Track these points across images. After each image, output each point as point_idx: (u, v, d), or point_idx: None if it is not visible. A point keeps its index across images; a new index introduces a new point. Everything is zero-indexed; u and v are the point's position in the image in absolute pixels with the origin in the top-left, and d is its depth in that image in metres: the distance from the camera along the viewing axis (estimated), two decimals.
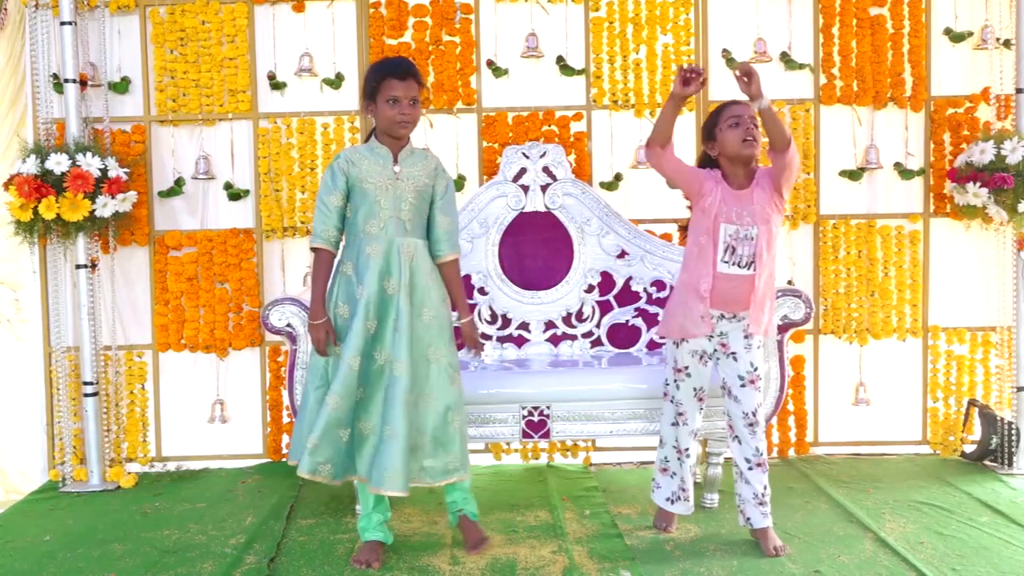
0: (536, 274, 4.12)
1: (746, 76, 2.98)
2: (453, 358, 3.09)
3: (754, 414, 3.19)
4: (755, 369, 3.19)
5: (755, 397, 3.19)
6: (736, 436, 3.23)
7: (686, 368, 3.25)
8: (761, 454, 3.20)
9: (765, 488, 3.21)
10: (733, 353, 3.20)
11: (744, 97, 3.04)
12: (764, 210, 3.10)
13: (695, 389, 3.26)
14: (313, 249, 3.04)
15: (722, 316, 3.17)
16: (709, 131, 3.19)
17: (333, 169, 3.03)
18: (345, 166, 3.02)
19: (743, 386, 3.19)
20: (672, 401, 3.30)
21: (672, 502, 3.35)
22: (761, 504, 3.21)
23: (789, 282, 4.25)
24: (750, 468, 3.21)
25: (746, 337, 3.18)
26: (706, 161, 3.22)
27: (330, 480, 3.00)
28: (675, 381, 3.28)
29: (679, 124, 4.25)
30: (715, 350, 3.23)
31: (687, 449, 3.31)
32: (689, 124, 4.30)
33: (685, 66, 3.07)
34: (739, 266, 3.12)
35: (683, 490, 3.34)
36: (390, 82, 2.98)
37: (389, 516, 3.22)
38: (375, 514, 3.16)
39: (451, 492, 3.22)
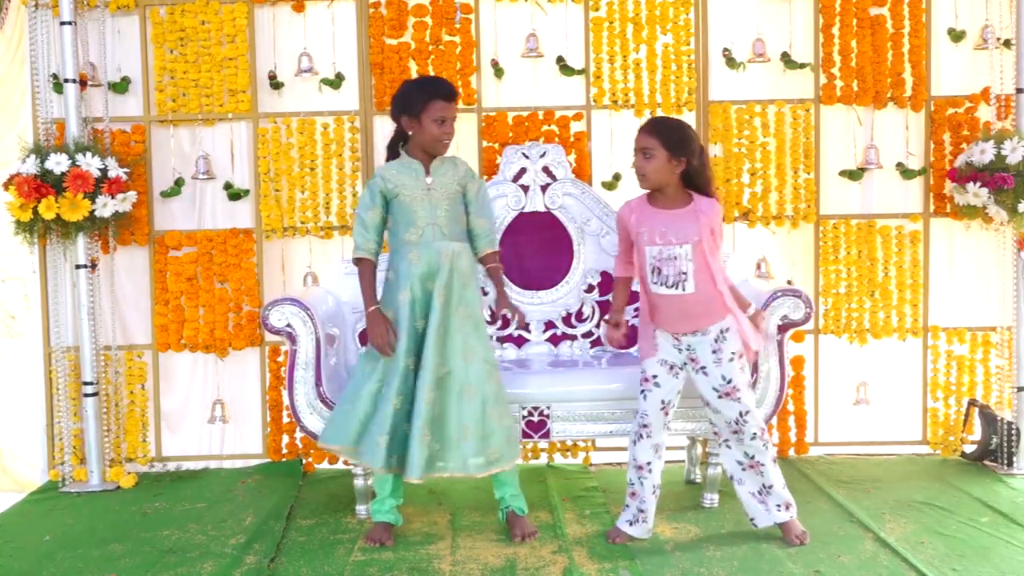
0: (536, 274, 4.11)
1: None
2: (489, 353, 3.26)
3: (737, 421, 3.15)
4: (729, 382, 3.13)
5: (734, 407, 3.14)
6: (725, 441, 3.22)
7: (654, 378, 3.19)
8: (752, 456, 3.18)
9: (765, 487, 3.19)
10: (703, 368, 3.15)
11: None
12: (694, 232, 3.08)
13: (662, 401, 3.19)
14: (355, 260, 3.27)
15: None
16: None
17: (371, 188, 3.25)
18: (381, 184, 3.24)
19: (720, 398, 3.15)
20: (637, 414, 3.23)
21: (631, 524, 3.25)
22: (763, 502, 3.21)
23: (789, 282, 4.25)
24: (743, 469, 3.21)
25: (714, 352, 3.13)
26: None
27: (408, 477, 3.14)
28: (643, 392, 3.21)
29: None
30: (685, 363, 3.19)
31: (648, 464, 3.20)
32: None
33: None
34: (667, 286, 3.11)
35: (640, 511, 3.23)
36: (438, 103, 3.18)
37: (401, 501, 3.41)
38: (390, 499, 3.36)
39: (500, 488, 3.37)
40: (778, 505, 3.22)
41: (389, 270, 3.30)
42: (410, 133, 3.23)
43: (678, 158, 3.08)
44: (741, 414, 3.15)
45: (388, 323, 3.19)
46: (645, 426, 3.20)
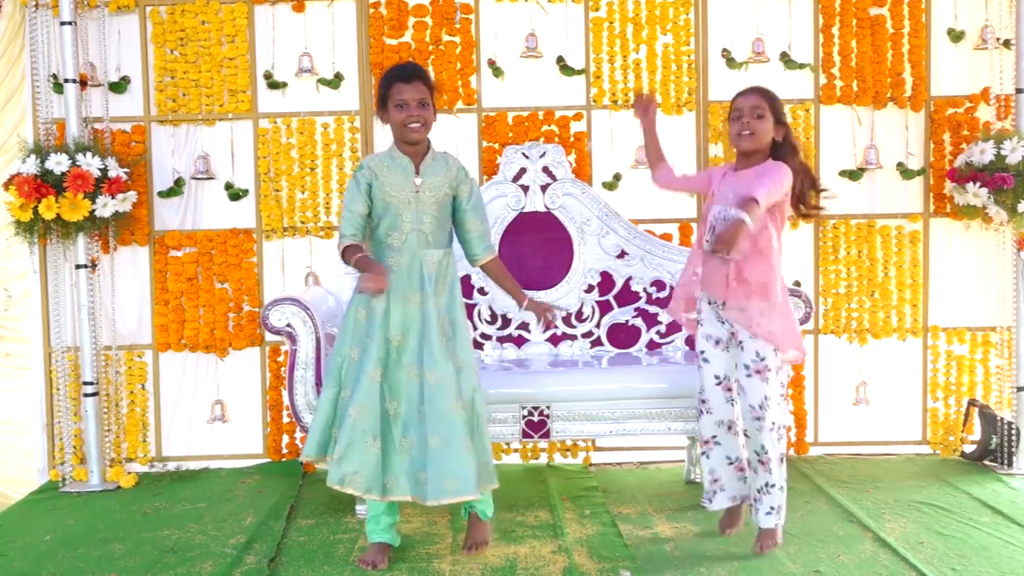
0: (536, 274, 4.12)
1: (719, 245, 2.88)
2: (446, 371, 3.00)
3: (760, 407, 3.05)
4: (762, 359, 3.06)
5: (761, 389, 3.06)
6: (744, 431, 3.17)
7: (702, 353, 3.21)
8: (766, 452, 3.08)
9: (766, 485, 3.12)
10: (740, 342, 3.11)
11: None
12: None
13: (716, 376, 3.19)
14: (345, 249, 2.98)
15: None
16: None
17: (357, 179, 3.03)
18: (368, 175, 3.02)
19: (748, 376, 3.08)
20: (700, 391, 3.25)
21: (710, 500, 3.28)
22: (756, 500, 3.16)
23: (796, 283, 4.24)
24: (751, 466, 3.17)
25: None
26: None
27: (363, 492, 2.98)
28: (699, 367, 3.24)
29: (679, 124, 4.32)
30: (729, 337, 3.16)
31: (714, 437, 3.22)
32: (688, 124, 4.31)
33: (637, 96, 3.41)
34: None
35: (714, 481, 3.26)
36: (397, 86, 2.99)
37: (398, 519, 3.19)
38: (384, 516, 3.12)
39: None
40: (770, 510, 3.14)
41: None
42: (390, 127, 3.07)
43: (779, 124, 3.11)
44: (766, 398, 3.06)
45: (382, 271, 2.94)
46: (704, 401, 3.23)
